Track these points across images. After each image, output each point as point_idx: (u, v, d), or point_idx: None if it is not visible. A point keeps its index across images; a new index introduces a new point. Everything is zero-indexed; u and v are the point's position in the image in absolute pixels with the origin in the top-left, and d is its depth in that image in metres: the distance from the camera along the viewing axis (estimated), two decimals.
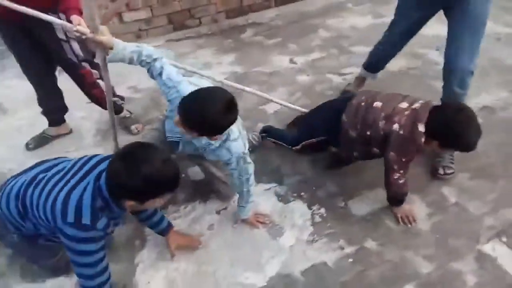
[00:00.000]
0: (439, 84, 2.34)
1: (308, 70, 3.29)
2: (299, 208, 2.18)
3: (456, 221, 2.07)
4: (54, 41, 2.18)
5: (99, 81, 2.37)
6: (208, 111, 1.47)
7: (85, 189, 1.39)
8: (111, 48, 1.71)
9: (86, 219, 1.36)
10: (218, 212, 2.18)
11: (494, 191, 2.20)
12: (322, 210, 2.16)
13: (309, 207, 2.18)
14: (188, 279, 1.87)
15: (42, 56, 2.28)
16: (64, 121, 2.69)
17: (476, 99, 2.76)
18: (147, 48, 1.76)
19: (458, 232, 2.02)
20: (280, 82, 3.16)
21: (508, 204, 2.12)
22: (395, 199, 2.07)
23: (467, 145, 1.82)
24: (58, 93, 2.55)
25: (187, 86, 1.72)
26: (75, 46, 2.25)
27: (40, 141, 2.64)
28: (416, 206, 2.14)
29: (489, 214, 2.08)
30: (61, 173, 1.48)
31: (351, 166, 2.30)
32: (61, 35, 2.18)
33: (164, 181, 1.34)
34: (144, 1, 3.61)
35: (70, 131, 2.74)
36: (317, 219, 2.12)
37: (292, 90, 3.06)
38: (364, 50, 3.04)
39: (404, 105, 1.91)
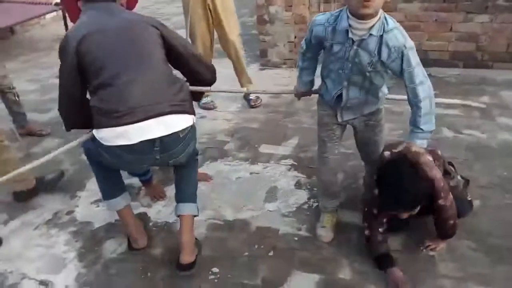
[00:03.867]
0: None
1: None
2: (301, 196, 2.56)
3: None
4: None
5: None
6: None
7: None
8: None
9: None
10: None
11: None
12: (311, 203, 2.48)
13: (309, 199, 2.53)
14: None
15: None
16: None
17: None
18: None
19: None
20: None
21: None
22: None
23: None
24: None
25: None
26: None
27: None
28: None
29: None
30: None
31: None
32: None
33: None
34: None
35: None
36: (304, 206, 2.47)
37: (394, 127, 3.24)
38: (509, 123, 3.21)
39: None
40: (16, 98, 3.31)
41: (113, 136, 1.75)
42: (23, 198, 2.63)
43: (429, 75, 1.82)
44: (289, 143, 3.16)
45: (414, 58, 1.69)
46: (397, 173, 1.74)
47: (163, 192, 2.64)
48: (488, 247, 2.04)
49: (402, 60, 1.68)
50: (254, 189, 2.65)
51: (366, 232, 1.99)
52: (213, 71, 2.23)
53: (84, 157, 3.06)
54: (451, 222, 1.91)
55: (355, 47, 1.72)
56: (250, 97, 3.74)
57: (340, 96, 1.91)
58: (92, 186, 2.78)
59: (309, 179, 2.71)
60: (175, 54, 1.98)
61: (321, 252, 2.12)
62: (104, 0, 1.90)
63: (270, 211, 2.44)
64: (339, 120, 2.01)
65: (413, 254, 2.05)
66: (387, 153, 1.87)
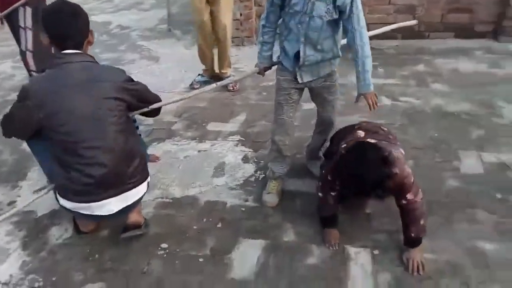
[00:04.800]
0: None
1: None
2: (248, 169, 2.63)
3: None
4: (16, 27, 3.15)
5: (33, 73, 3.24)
6: None
7: None
8: None
9: None
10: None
11: None
12: (258, 175, 2.56)
13: (255, 172, 2.60)
14: None
15: None
16: None
17: None
18: None
19: None
20: None
21: None
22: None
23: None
24: None
25: None
26: (29, 35, 3.15)
27: None
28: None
29: None
30: None
31: None
32: (21, 23, 3.11)
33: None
34: None
35: None
36: (251, 179, 2.54)
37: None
38: (442, 89, 3.35)
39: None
40: None
41: (77, 207, 1.95)
42: None
43: (370, 48, 1.92)
44: (237, 120, 3.20)
45: (360, 5, 1.88)
46: (361, 157, 1.74)
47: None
48: None
49: (351, 4, 1.84)
50: (202, 166, 2.68)
51: (320, 194, 2.05)
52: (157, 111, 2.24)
53: (24, 146, 2.99)
54: (421, 222, 1.87)
55: (312, 0, 1.84)
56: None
57: (298, 56, 2.02)
58: (34, 175, 2.72)
59: (256, 152, 2.78)
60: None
61: (267, 220, 2.20)
62: (73, 49, 1.86)
63: (218, 185, 2.49)
64: (299, 81, 2.11)
65: (350, 214, 2.17)
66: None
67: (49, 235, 2.20)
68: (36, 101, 1.81)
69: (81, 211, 1.97)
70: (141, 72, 4.12)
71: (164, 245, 2.08)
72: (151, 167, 2.55)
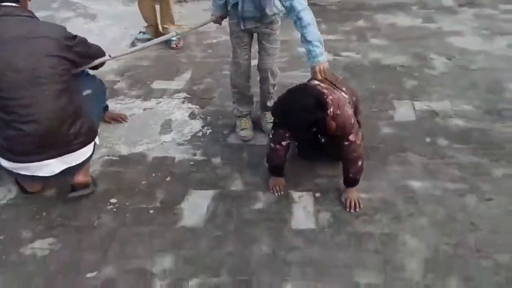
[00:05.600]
0: None
1: None
2: (195, 125, 2.66)
3: None
4: None
5: None
6: None
7: None
8: None
9: None
10: None
11: None
12: (206, 130, 2.61)
13: (203, 127, 2.64)
14: None
15: None
16: None
17: None
18: None
19: None
20: None
21: None
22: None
23: None
24: None
25: None
26: None
27: None
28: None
29: None
30: None
31: None
32: None
33: None
34: None
35: None
36: (198, 134, 2.58)
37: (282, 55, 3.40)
38: (380, 43, 3.47)
39: None
40: None
41: (16, 167, 1.90)
42: None
43: (313, 4, 1.97)
44: (182, 77, 3.18)
45: None
46: (289, 94, 1.87)
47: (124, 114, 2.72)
48: None
49: None
50: (148, 123, 2.68)
51: (271, 144, 2.09)
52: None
53: None
54: (360, 163, 1.98)
55: None
56: (171, 39, 3.55)
57: (237, 5, 2.13)
58: None
59: (202, 109, 2.80)
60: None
61: (216, 172, 2.27)
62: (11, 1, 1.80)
63: (165, 142, 2.51)
64: (242, 27, 2.23)
65: (294, 161, 2.27)
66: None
67: None
68: None
69: (21, 172, 1.92)
70: (77, 31, 3.82)
71: (113, 200, 2.10)
72: None
